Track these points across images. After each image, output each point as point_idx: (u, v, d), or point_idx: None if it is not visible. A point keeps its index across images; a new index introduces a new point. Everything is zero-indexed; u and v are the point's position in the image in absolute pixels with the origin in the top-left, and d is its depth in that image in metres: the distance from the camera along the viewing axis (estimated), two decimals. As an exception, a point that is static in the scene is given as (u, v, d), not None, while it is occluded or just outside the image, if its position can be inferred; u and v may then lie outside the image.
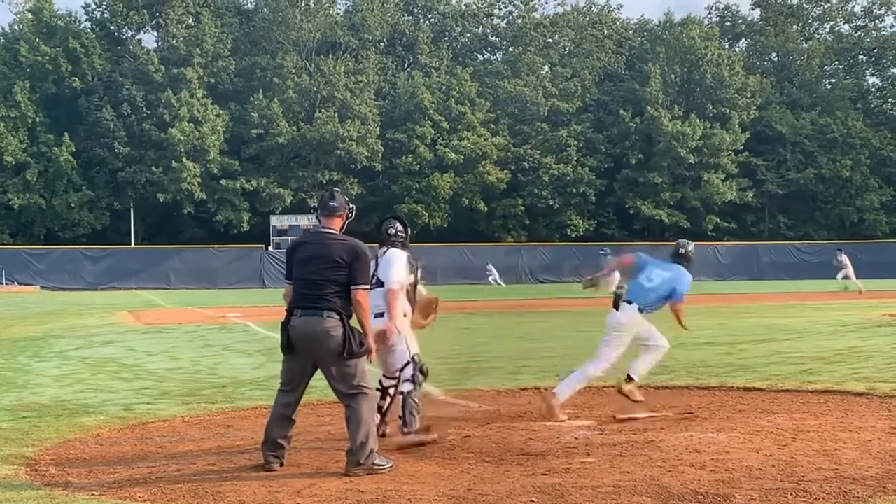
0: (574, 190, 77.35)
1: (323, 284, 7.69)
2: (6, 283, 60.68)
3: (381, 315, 8.73)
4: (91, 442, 9.29)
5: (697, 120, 77.78)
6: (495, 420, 9.72)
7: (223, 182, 72.04)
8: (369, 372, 7.88)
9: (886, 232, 79.82)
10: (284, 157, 75.14)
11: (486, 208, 75.41)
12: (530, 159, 77.37)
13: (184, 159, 69.99)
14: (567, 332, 21.37)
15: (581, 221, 77.45)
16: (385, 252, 9.15)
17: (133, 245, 70.36)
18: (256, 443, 8.80)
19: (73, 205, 70.10)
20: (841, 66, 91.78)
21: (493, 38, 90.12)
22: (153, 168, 70.54)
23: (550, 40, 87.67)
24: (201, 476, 7.49)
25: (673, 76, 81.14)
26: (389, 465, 7.64)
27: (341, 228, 8.10)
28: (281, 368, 7.98)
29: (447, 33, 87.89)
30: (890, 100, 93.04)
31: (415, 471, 7.53)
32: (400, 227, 9.38)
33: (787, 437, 8.47)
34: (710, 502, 6.29)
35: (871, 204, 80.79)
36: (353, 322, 7.78)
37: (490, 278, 63.84)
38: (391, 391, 8.99)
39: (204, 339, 21.77)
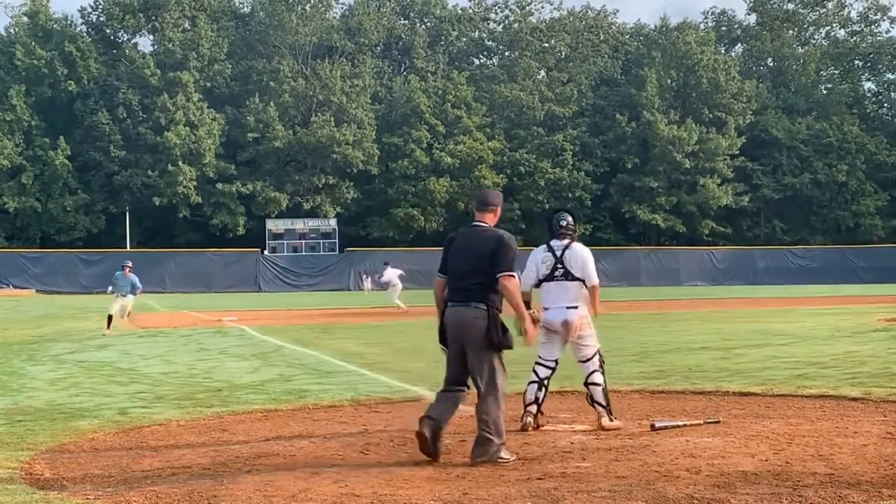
0: (570, 194, 77.45)
1: (470, 276, 8.00)
2: (2, 287, 60.60)
3: (575, 308, 9.48)
4: (86, 446, 9.26)
5: (693, 124, 77.92)
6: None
7: (219, 186, 72.06)
8: (504, 372, 8.12)
9: (882, 236, 79.96)
10: (280, 161, 75.15)
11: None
12: (526, 164, 77.45)
13: (179, 163, 70.01)
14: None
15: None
16: (569, 245, 9.76)
17: (128, 249, 70.27)
18: (252, 447, 8.80)
19: (68, 208, 70.08)
20: (837, 71, 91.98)
21: (490, 43, 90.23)
22: (149, 172, 70.54)
23: (546, 45, 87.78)
24: (196, 480, 7.47)
25: (669, 81, 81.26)
26: (513, 459, 7.89)
27: (495, 223, 8.41)
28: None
29: (443, 37, 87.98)
30: (886, 105, 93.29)
31: (410, 475, 7.51)
32: (570, 220, 9.99)
33: (783, 442, 8.46)
34: (705, 507, 6.28)
35: (867, 209, 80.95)
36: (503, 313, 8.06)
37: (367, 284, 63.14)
38: (590, 379, 9.54)
39: (199, 343, 21.76)
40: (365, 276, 65.59)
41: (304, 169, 75.19)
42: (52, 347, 20.96)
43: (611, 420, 9.42)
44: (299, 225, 70.94)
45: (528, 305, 10.02)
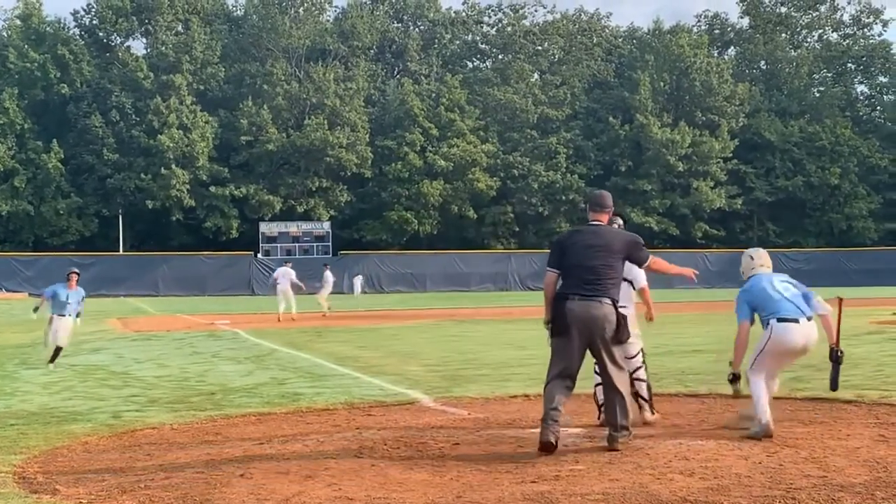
0: (563, 197, 77.52)
1: (603, 271, 8.36)
2: (-6, 291, 60.44)
3: (624, 307, 9.55)
4: (79, 449, 9.26)
5: (686, 127, 78.04)
6: (485, 427, 9.70)
7: (212, 189, 72.01)
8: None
9: (875, 240, 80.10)
10: (273, 164, 75.12)
11: (475, 215, 75.49)
12: (520, 166, 77.50)
13: (173, 166, 69.95)
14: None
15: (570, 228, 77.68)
16: None
17: (121, 252, 70.24)
18: (245, 450, 8.79)
19: (61, 212, 69.98)
20: (829, 74, 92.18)
21: (483, 46, 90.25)
22: (142, 175, 70.49)
23: (540, 48, 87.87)
24: (189, 484, 7.46)
25: (662, 84, 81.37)
26: (632, 433, 8.50)
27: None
28: (554, 353, 8.49)
29: (437, 40, 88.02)
30: (878, 108, 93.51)
31: (404, 478, 7.51)
32: (621, 222, 10.18)
33: (776, 445, 8.48)
34: (699, 510, 6.28)
35: (860, 212, 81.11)
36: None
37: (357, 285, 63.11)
38: (636, 375, 9.91)
39: (192, 347, 21.74)
40: (357, 278, 65.59)
41: (297, 172, 75.14)
42: (45, 351, 20.91)
43: (652, 414, 9.91)
44: (293, 228, 70.88)
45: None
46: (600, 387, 10.00)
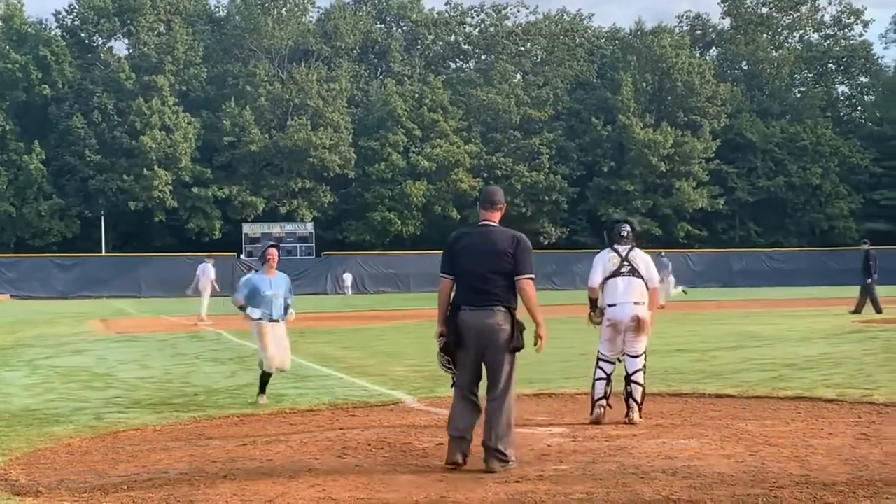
0: (546, 197, 77.63)
1: (490, 277, 7.86)
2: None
3: (643, 304, 10.10)
4: (61, 451, 9.22)
5: (669, 128, 78.24)
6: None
7: (195, 190, 71.84)
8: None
9: (856, 239, 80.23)
10: (257, 165, 74.98)
11: (458, 216, 75.47)
12: (503, 167, 77.54)
13: (155, 167, 69.75)
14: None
15: (554, 229, 77.73)
16: (632, 248, 10.33)
17: (104, 253, 69.99)
18: (229, 451, 8.78)
19: (43, 213, 69.68)
20: (810, 75, 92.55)
21: (466, 46, 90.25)
22: (124, 176, 70.25)
23: (522, 48, 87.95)
24: (173, 485, 7.44)
25: (644, 84, 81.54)
26: (515, 462, 7.82)
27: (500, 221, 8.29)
28: (457, 365, 7.99)
29: (420, 41, 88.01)
30: (859, 108, 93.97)
31: (388, 478, 7.51)
32: (629, 228, 10.48)
33: (759, 444, 8.51)
34: (682, 508, 6.31)
35: (841, 211, 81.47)
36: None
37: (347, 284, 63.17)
38: (634, 378, 10.04)
39: (175, 348, 21.69)
40: (345, 276, 65.60)
41: (280, 173, 75.02)
42: (27, 352, 20.83)
43: (640, 417, 9.90)
44: (276, 229, 70.72)
45: (595, 304, 10.32)
46: (599, 382, 10.05)
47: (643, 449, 8.42)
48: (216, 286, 32.65)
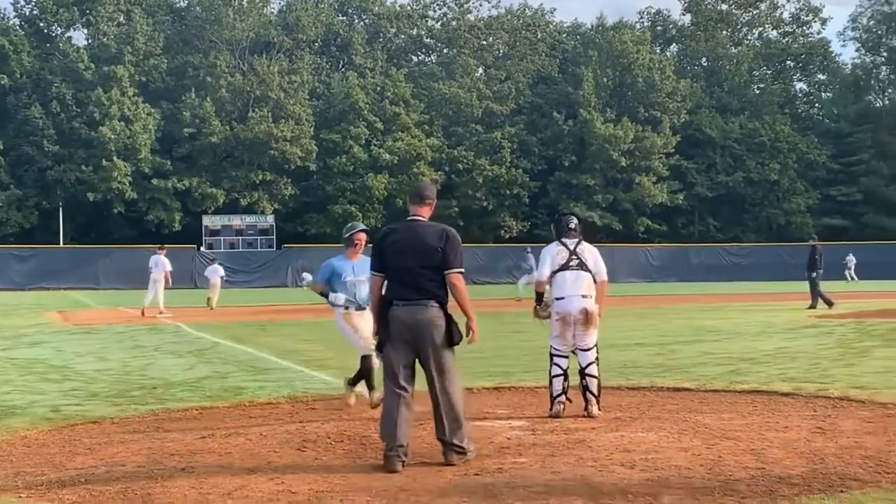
0: (508, 191, 77.77)
1: (421, 272, 7.80)
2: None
3: (590, 297, 10.17)
4: (18, 444, 9.15)
5: (629, 123, 78.57)
6: (429, 420, 9.73)
7: (154, 181, 71.32)
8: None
9: (812, 234, 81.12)
10: (217, 157, 74.55)
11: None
12: (464, 161, 77.58)
13: (114, 158, 69.20)
14: (500, 333, 21.45)
15: (515, 223, 77.88)
16: (580, 241, 10.41)
17: (62, 245, 69.30)
18: (187, 444, 8.74)
19: (0, 204, 68.90)
20: (769, 72, 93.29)
21: (428, 40, 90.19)
22: (83, 167, 69.62)
23: (485, 42, 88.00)
24: (131, 478, 7.41)
25: (605, 79, 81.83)
26: (475, 452, 7.84)
27: (429, 217, 8.21)
28: (384, 364, 7.97)
29: (382, 34, 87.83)
30: (816, 105, 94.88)
31: (347, 471, 7.52)
32: (577, 221, 10.60)
33: (716, 437, 8.59)
34: (639, 501, 6.36)
35: (798, 207, 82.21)
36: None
37: (304, 283, 63.32)
38: (588, 371, 10.10)
39: (134, 340, 21.54)
40: (303, 273, 65.28)
41: (241, 165, 74.61)
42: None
43: (598, 410, 9.96)
44: (236, 221, 70.35)
45: (541, 297, 10.34)
46: (556, 378, 10.10)
47: (601, 442, 8.47)
48: (170, 279, 32.28)
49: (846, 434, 8.62)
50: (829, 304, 29.15)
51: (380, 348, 7.99)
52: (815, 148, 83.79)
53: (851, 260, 63.43)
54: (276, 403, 11.50)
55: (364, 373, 10.90)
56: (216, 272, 37.37)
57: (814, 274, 30.52)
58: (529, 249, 42.19)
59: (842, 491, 6.46)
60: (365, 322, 10.52)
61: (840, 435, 8.58)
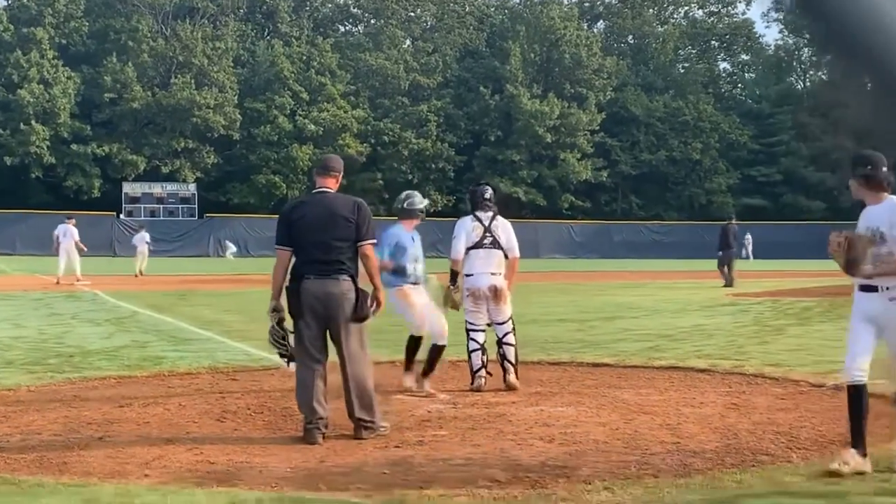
0: (433, 165, 77.73)
1: (333, 245, 7.71)
2: None
3: (499, 274, 10.18)
4: (-70, 412, 8.98)
5: (556, 99, 78.84)
6: (349, 393, 9.75)
7: (74, 147, 70.06)
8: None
9: (733, 214, 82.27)
10: (138, 123, 73.42)
11: (345, 181, 74.81)
12: (390, 133, 77.32)
13: (32, 122, 67.84)
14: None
15: (440, 197, 77.85)
16: (495, 216, 10.33)
17: (-23, 209, 67.86)
18: (105, 413, 8.65)
19: (-86, 166, 67.29)
20: (694, 51, 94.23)
21: (355, 10, 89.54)
22: (0, 130, 68.15)
23: (412, 14, 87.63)
24: (46, 447, 7.32)
25: (532, 55, 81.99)
26: (388, 427, 7.82)
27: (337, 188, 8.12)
28: (296, 338, 7.88)
29: (308, 3, 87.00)
30: (739, 85, 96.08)
31: (267, 443, 7.50)
32: (492, 192, 10.51)
33: (633, 412, 8.71)
34: (557, 474, 6.43)
35: (720, 186, 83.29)
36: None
37: (228, 252, 63.65)
38: (506, 339, 10.14)
39: (50, 308, 21.22)
40: (228, 244, 64.76)
41: (162, 132, 73.59)
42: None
43: (516, 378, 10.00)
44: (157, 189, 69.52)
45: (455, 276, 10.27)
46: (475, 353, 10.14)
47: (521, 416, 8.55)
48: (82, 246, 31.86)
49: (759, 410, 8.79)
50: (730, 284, 29.67)
51: (280, 325, 7.93)
52: (737, 128, 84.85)
53: (749, 239, 65.22)
54: (196, 374, 11.41)
55: (430, 354, 10.02)
56: (143, 239, 37.08)
57: (720, 252, 31.19)
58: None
59: (754, 465, 6.59)
60: (421, 297, 10.09)
61: (754, 411, 8.75)
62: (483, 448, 7.24)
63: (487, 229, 10.25)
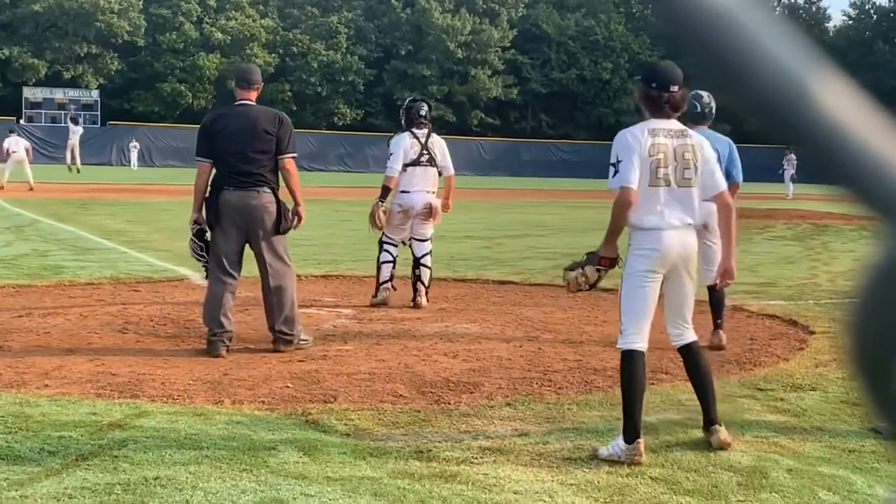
0: (343, 78, 76.89)
1: (254, 157, 7.64)
2: None
3: (434, 192, 10.20)
4: None
5: (467, 14, 78.33)
6: (253, 306, 9.69)
7: (-29, 49, 67.86)
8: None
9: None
10: (39, 27, 71.19)
11: (253, 92, 73.93)
12: (299, 44, 76.20)
13: (-73, 22, 65.45)
14: (331, 221, 21.39)
15: (349, 110, 77.23)
16: (430, 134, 10.25)
17: None
18: (3, 323, 8.50)
19: None
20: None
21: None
22: None
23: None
24: (-58, 357, 7.17)
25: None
26: (311, 340, 7.84)
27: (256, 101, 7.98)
28: (211, 249, 7.74)
29: None
30: (650, 6, 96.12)
31: (169, 355, 7.45)
32: (427, 109, 10.37)
33: (537, 329, 8.83)
34: (460, 390, 6.51)
35: (628, 107, 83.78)
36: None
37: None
38: (423, 261, 10.16)
39: (-53, 215, 20.69)
40: (133, 147, 63.40)
41: (64, 36, 71.50)
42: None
43: (426, 301, 10.06)
44: (59, 94, 67.77)
45: (387, 193, 10.09)
46: (386, 265, 10.18)
47: (426, 332, 8.61)
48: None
49: (660, 329, 8.96)
50: None
51: (198, 237, 7.81)
52: (647, 49, 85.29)
53: None
54: (98, 284, 11.25)
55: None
56: (19, 143, 34.43)
57: None
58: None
59: (652, 383, 6.74)
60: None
61: (652, 330, 8.90)
62: (387, 363, 7.28)
63: (424, 146, 10.18)
